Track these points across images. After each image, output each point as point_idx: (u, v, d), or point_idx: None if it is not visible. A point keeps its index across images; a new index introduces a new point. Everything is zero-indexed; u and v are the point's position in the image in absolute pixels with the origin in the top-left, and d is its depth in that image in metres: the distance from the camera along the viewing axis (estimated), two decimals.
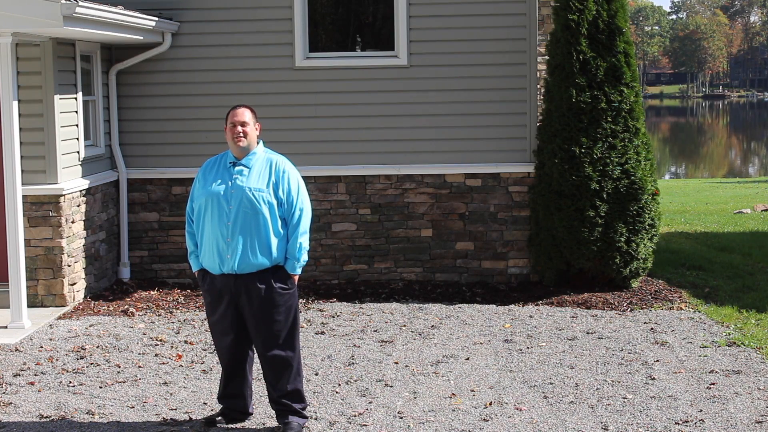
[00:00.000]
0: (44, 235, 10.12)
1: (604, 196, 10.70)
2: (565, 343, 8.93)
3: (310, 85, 11.54)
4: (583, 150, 10.72)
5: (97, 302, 10.49)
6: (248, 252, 6.39)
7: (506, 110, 11.51)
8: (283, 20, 11.48)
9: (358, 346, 8.84)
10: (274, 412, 6.72)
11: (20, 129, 9.66)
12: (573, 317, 9.92)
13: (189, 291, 11.15)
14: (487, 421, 6.84)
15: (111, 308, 10.27)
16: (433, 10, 11.44)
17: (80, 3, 8.93)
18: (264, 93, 11.45)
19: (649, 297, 10.71)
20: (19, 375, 7.97)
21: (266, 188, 6.44)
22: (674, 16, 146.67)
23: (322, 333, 9.36)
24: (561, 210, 10.80)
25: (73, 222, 10.36)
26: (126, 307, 10.31)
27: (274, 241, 6.43)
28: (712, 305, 10.36)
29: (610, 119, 10.79)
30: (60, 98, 10.12)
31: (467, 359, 8.41)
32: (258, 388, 7.33)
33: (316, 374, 7.97)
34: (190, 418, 6.92)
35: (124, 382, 7.76)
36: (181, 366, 8.23)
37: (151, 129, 11.60)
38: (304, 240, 6.49)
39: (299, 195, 6.51)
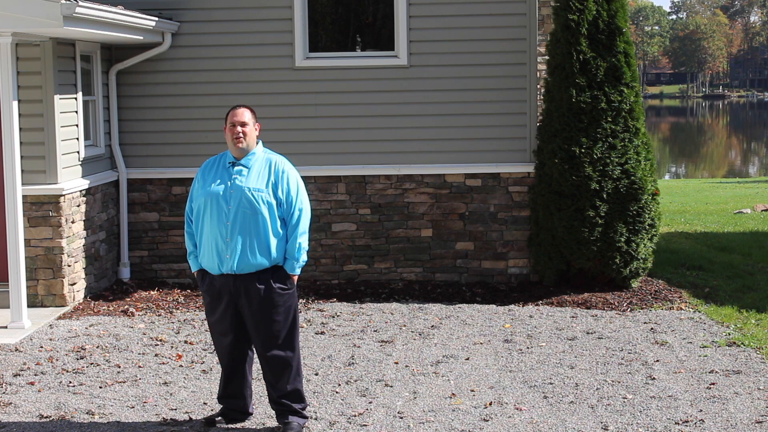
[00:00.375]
0: (44, 235, 10.11)
1: (604, 196, 10.70)
2: (565, 343, 8.93)
3: (310, 85, 11.54)
4: (583, 150, 10.72)
5: (97, 302, 10.49)
6: (247, 252, 6.39)
7: (506, 110, 11.51)
8: (283, 20, 11.48)
9: (358, 346, 8.84)
10: (274, 412, 6.72)
11: (20, 129, 9.66)
12: (573, 317, 9.92)
13: (189, 291, 11.15)
14: (487, 421, 6.84)
15: (111, 308, 10.27)
16: (433, 10, 11.44)
17: (80, 3, 8.93)
18: (264, 93, 11.45)
19: (649, 297, 10.71)
20: (19, 375, 7.96)
21: (265, 188, 6.43)
22: (674, 16, 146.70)
23: (322, 333, 9.35)
24: (561, 210, 10.80)
25: (73, 222, 10.35)
26: (126, 307, 10.31)
27: (273, 242, 6.43)
28: (712, 305, 10.36)
29: (610, 119, 10.79)
30: (60, 98, 10.12)
31: (467, 359, 8.41)
32: (258, 388, 7.33)
33: (316, 374, 7.97)
34: (190, 418, 6.92)
35: (124, 382, 7.76)
36: (181, 366, 8.23)
37: (151, 129, 11.60)
38: (303, 240, 6.49)
39: (298, 195, 6.50)
